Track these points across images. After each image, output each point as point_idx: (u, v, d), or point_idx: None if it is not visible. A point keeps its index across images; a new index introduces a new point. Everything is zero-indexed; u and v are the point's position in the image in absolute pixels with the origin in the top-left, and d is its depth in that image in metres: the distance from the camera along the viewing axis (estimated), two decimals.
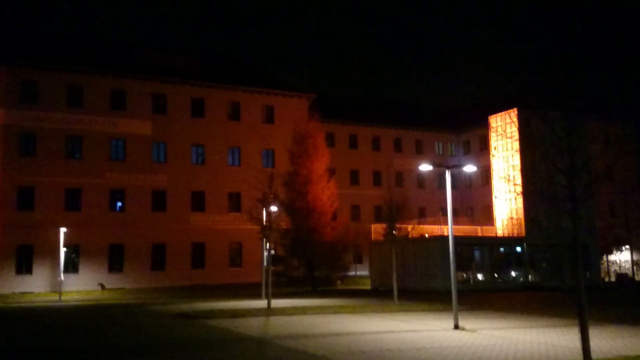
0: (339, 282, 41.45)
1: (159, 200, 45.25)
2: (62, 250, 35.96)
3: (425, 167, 21.22)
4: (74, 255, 42.06)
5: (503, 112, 42.37)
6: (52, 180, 41.92)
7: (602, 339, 15.08)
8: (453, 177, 19.99)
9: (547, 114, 11.81)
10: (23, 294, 38.52)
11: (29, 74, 42.34)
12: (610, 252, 50.23)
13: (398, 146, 58.61)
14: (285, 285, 38.15)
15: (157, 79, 46.17)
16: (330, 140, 51.42)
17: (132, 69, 46.02)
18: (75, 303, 31.97)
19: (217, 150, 47.57)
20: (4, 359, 13.94)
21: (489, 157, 45.75)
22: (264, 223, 27.10)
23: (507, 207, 43.76)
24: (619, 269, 50.59)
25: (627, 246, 51.26)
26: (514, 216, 42.86)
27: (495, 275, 39.64)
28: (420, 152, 58.97)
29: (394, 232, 27.60)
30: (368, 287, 41.66)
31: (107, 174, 43.72)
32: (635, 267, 50.99)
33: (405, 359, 12.46)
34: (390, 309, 23.82)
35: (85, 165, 43.23)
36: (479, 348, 13.80)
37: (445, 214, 19.94)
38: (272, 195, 28.08)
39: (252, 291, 34.27)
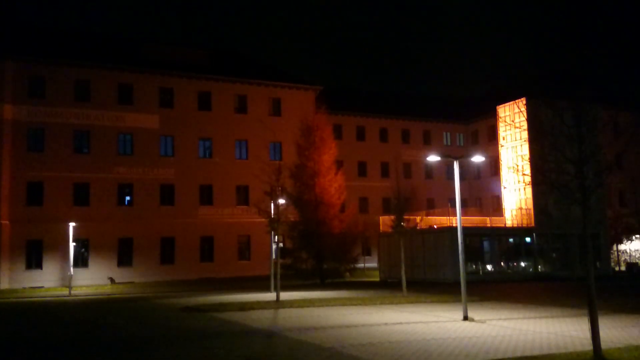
0: (347, 274, 41.43)
1: (167, 194, 45.38)
2: (72, 245, 36.14)
3: (433, 158, 21.14)
4: (83, 250, 42.26)
5: (511, 102, 42.12)
6: (60, 175, 42.09)
7: (612, 328, 15.00)
8: (461, 167, 19.89)
9: (555, 103, 11.71)
10: (33, 288, 38.77)
11: (36, 70, 42.45)
12: (621, 242, 49.97)
13: (406, 137, 58.43)
14: (294, 277, 38.17)
15: (164, 73, 46.19)
16: (338, 132, 51.33)
17: (139, 63, 46.07)
18: (85, 297, 32.17)
19: (224, 144, 47.59)
20: (17, 352, 14.02)
21: (498, 148, 45.54)
22: (272, 216, 27.07)
23: (516, 198, 43.58)
24: (629, 258, 50.33)
25: (638, 235, 50.96)
26: (523, 206, 42.68)
27: (503, 264, 39.50)
28: (428, 143, 58.76)
29: (402, 223, 27.50)
30: (377, 279, 41.66)
31: (115, 168, 43.86)
32: None
33: (415, 350, 12.43)
34: (399, 300, 23.79)
35: (94, 159, 43.37)
36: (489, 339, 13.76)
37: (454, 205, 19.85)
38: (279, 188, 28.05)
39: (260, 284, 34.34)
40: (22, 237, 40.66)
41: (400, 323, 16.93)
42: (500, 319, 17.61)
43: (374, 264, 46.98)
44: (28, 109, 41.90)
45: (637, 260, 49.75)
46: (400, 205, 28.04)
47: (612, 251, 47.33)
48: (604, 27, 11.27)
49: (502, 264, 39.41)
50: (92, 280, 41.36)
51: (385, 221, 40.90)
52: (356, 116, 56.09)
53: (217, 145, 47.46)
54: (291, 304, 22.82)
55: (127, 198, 44.66)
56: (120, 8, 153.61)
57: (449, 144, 60.14)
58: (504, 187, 44.78)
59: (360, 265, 45.37)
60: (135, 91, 45.31)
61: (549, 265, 40.41)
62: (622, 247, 50.55)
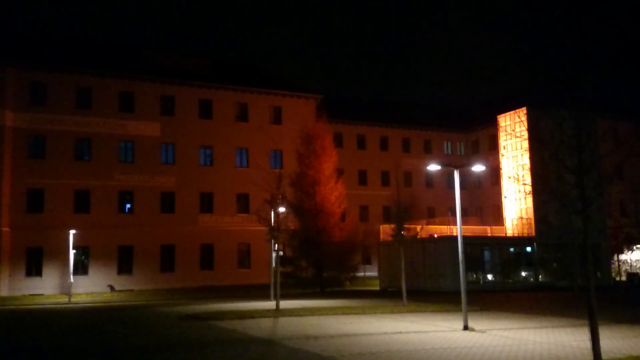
0: (347, 283, 41.38)
1: (168, 202, 45.34)
2: (72, 252, 36.07)
3: (433, 167, 21.14)
4: (83, 257, 42.16)
5: (512, 112, 42.18)
6: (61, 182, 42.08)
7: (613, 339, 14.95)
8: (462, 177, 19.89)
9: (556, 113, 11.70)
10: (33, 296, 38.68)
11: (38, 77, 42.52)
12: (621, 252, 49.84)
13: (406, 146, 58.45)
14: (294, 286, 38.08)
15: (166, 81, 46.25)
16: (338, 140, 51.36)
17: (140, 71, 46.16)
18: (85, 305, 32.09)
19: (225, 152, 47.60)
20: (15, 359, 14.00)
21: (498, 157, 45.53)
22: (272, 224, 27.03)
23: (516, 207, 43.53)
24: (630, 268, 50.21)
25: (639, 245, 50.84)
26: (524, 216, 42.62)
27: (503, 274, 39.39)
28: (429, 152, 58.78)
29: (402, 232, 27.47)
30: (377, 287, 41.58)
31: (116, 175, 43.84)
32: None
33: None
34: (399, 309, 23.73)
35: (94, 167, 43.36)
36: (489, 349, 13.71)
37: (454, 214, 19.83)
38: (280, 196, 28.01)
39: (260, 292, 34.26)
40: (22, 244, 40.58)
41: (400, 332, 16.88)
42: (500, 328, 17.56)
43: (374, 273, 46.87)
44: (29, 116, 41.93)
45: (637, 271, 49.62)
46: (400, 214, 28.00)
47: (612, 261, 47.23)
48: (604, 35, 11.29)
49: (502, 273, 39.30)
50: (91, 287, 41.26)
51: (385, 230, 40.86)
52: (357, 125, 56.13)
53: (218, 153, 47.47)
54: (291, 312, 22.77)
55: (128, 205, 44.61)
56: (121, 15, 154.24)
57: (449, 153, 60.17)
58: (505, 197, 44.74)
59: (361, 274, 45.27)
60: (136, 99, 45.36)
61: (550, 275, 40.32)
62: (622, 257, 50.43)
